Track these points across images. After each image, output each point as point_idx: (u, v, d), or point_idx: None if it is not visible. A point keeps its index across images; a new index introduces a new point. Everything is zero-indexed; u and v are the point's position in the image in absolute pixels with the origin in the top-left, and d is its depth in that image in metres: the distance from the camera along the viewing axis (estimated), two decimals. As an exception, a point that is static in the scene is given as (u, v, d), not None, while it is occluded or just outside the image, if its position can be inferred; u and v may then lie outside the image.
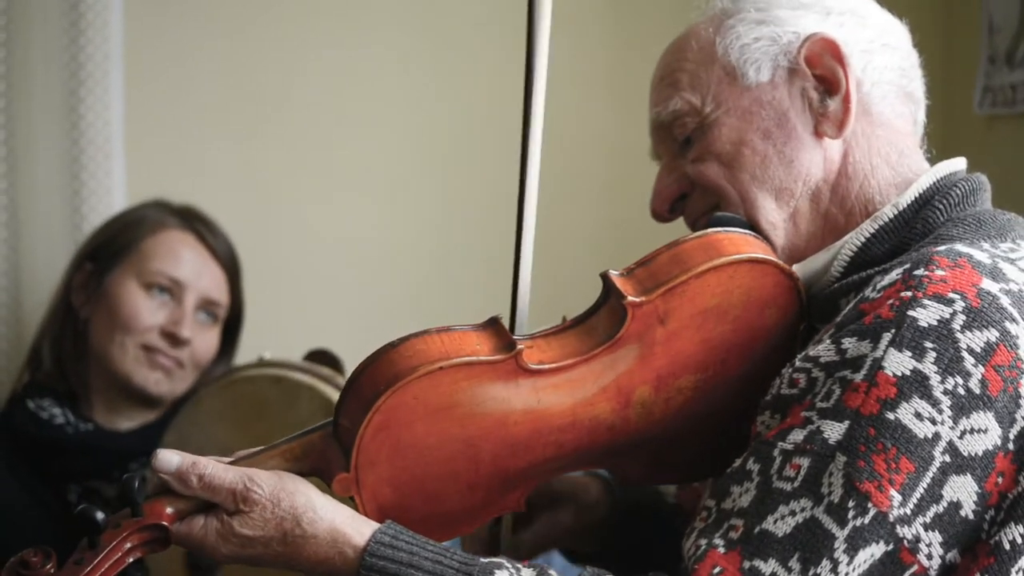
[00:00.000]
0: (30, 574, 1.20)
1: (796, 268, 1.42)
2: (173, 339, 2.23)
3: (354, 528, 1.27)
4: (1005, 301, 1.24)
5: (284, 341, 2.32)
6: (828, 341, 1.28)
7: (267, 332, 2.46)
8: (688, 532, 1.30)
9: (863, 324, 1.26)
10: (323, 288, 2.79)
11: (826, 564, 1.20)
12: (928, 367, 1.21)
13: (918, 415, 1.20)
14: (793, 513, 1.22)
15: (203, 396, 2.07)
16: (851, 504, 1.20)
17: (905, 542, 1.21)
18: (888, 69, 1.49)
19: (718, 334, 1.38)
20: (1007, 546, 1.22)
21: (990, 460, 1.21)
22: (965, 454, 1.21)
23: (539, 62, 1.34)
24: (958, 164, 1.48)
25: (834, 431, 1.22)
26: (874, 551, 1.20)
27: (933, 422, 1.20)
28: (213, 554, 1.28)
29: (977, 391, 1.21)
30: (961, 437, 1.21)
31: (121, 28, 2.53)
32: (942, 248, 1.30)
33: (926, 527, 1.21)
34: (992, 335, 1.22)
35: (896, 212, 1.42)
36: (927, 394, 1.21)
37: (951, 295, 1.23)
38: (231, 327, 2.37)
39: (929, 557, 1.21)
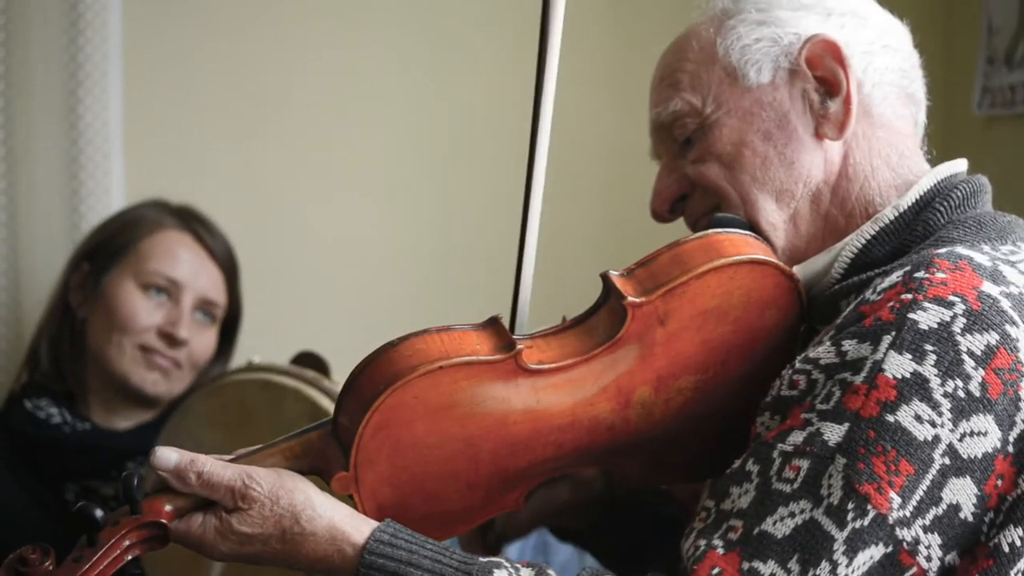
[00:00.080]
0: (29, 571, 1.20)
1: (796, 269, 1.42)
2: (170, 339, 2.23)
3: (353, 526, 1.27)
4: (1005, 304, 1.24)
5: (283, 341, 2.32)
6: (828, 343, 1.28)
7: (266, 332, 2.46)
8: (687, 532, 1.30)
9: (863, 326, 1.26)
10: (323, 288, 2.79)
11: (825, 566, 1.20)
12: (928, 370, 1.21)
13: (918, 417, 1.20)
14: (792, 515, 1.22)
15: (192, 402, 2.07)
16: (850, 506, 1.20)
17: (904, 544, 1.21)
18: (889, 70, 1.49)
19: (718, 335, 1.38)
20: (1006, 548, 1.22)
21: (990, 463, 1.21)
22: (965, 456, 1.21)
23: (550, 63, 1.34)
24: (959, 166, 1.48)
25: (834, 433, 1.22)
26: (873, 553, 1.20)
27: (933, 424, 1.20)
28: (212, 552, 1.28)
29: (977, 394, 1.21)
30: (961, 440, 1.21)
31: (120, 28, 2.53)
32: (943, 250, 1.30)
33: (925, 529, 1.21)
34: (992, 338, 1.22)
35: (897, 214, 1.42)
36: (927, 397, 1.21)
37: (951, 298, 1.23)
38: (229, 327, 2.36)
39: (928, 559, 1.21)
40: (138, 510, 1.25)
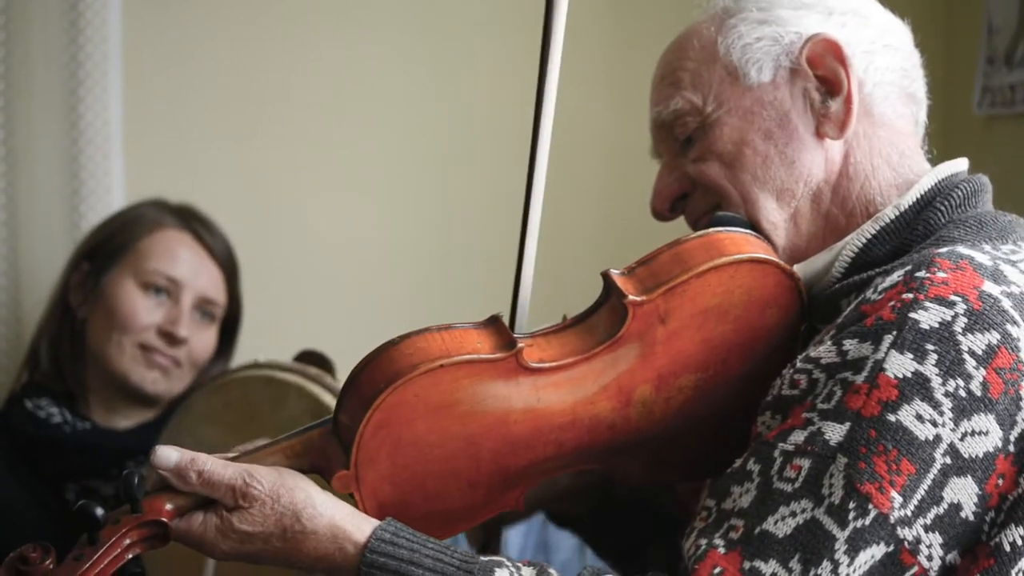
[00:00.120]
0: (29, 570, 1.20)
1: (797, 268, 1.42)
2: (170, 338, 2.23)
3: (354, 525, 1.27)
4: (1006, 303, 1.24)
5: (283, 341, 2.32)
6: (829, 342, 1.28)
7: (266, 332, 2.46)
8: (687, 532, 1.30)
9: (864, 326, 1.26)
10: (323, 288, 2.79)
11: (827, 565, 1.20)
12: (929, 369, 1.21)
13: (919, 417, 1.20)
14: (794, 514, 1.22)
15: (194, 400, 2.07)
16: (852, 505, 1.20)
17: (906, 543, 1.21)
18: (890, 70, 1.49)
19: (719, 334, 1.38)
20: (1007, 548, 1.22)
21: (991, 462, 1.21)
22: (966, 456, 1.21)
23: (552, 63, 1.34)
24: (959, 165, 1.48)
25: (835, 432, 1.22)
26: (875, 552, 1.20)
27: (934, 424, 1.20)
28: (212, 550, 1.28)
29: (978, 393, 1.21)
30: (962, 439, 1.21)
31: (120, 28, 2.53)
32: (944, 250, 1.30)
33: (927, 528, 1.21)
34: (993, 337, 1.22)
35: (897, 213, 1.42)
36: (928, 396, 1.21)
37: (953, 297, 1.23)
38: (229, 327, 2.36)
39: (929, 558, 1.21)
40: (139, 509, 1.25)
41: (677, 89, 1.49)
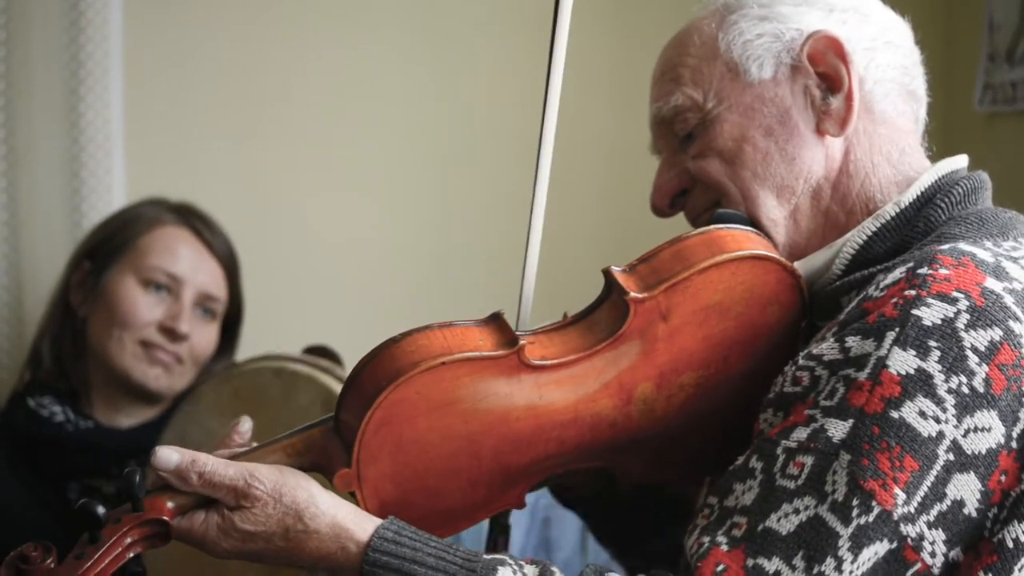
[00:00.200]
0: (30, 569, 1.20)
1: (797, 265, 1.42)
2: (171, 334, 2.23)
3: (356, 524, 1.27)
4: (1009, 300, 1.24)
5: (284, 341, 2.32)
6: (832, 339, 1.28)
7: (267, 332, 2.46)
8: (690, 529, 1.30)
9: (867, 322, 1.25)
10: (323, 288, 2.79)
11: (830, 562, 1.20)
12: (932, 366, 1.21)
13: (922, 414, 1.20)
14: (797, 511, 1.22)
15: (203, 391, 2.08)
16: (855, 502, 1.20)
17: (909, 540, 1.20)
18: (890, 67, 1.48)
19: (720, 331, 1.38)
20: (1010, 544, 1.22)
21: (993, 458, 1.21)
22: (969, 452, 1.21)
23: (557, 61, 1.33)
24: (959, 162, 1.48)
25: (838, 429, 1.22)
26: (878, 549, 1.20)
27: (937, 420, 1.20)
28: (214, 549, 1.28)
29: (981, 390, 1.21)
30: (965, 436, 1.20)
31: (121, 27, 2.53)
32: (945, 247, 1.30)
33: (930, 525, 1.21)
34: (996, 334, 1.22)
35: (898, 210, 1.42)
36: (931, 393, 1.20)
37: (955, 294, 1.23)
38: (231, 324, 2.37)
39: (932, 555, 1.21)
40: (140, 507, 1.25)
41: (677, 85, 1.49)
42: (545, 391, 1.33)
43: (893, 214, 1.42)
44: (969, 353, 1.21)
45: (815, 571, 1.20)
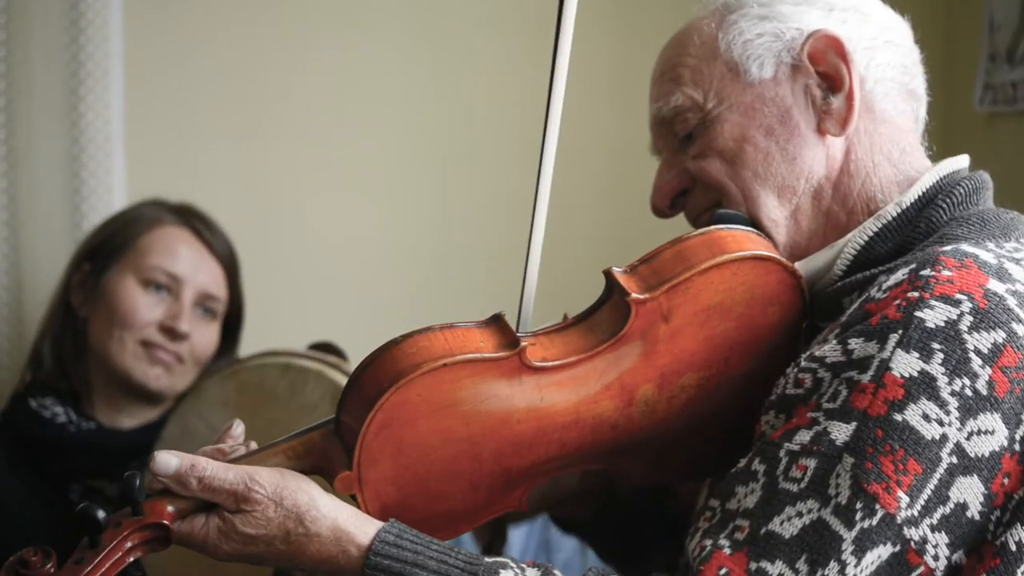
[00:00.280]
0: (29, 573, 1.20)
1: (798, 266, 1.42)
2: (172, 333, 2.23)
3: (357, 527, 1.27)
4: (1012, 302, 1.24)
5: (285, 341, 2.31)
6: (834, 341, 1.28)
7: (267, 332, 2.45)
8: (691, 532, 1.30)
9: (870, 325, 1.25)
10: (323, 288, 2.79)
11: (834, 566, 1.19)
12: (935, 368, 1.21)
13: (925, 416, 1.20)
14: (800, 514, 1.21)
15: (206, 385, 2.08)
16: (859, 506, 1.19)
17: (912, 543, 1.20)
18: (891, 66, 1.48)
19: (721, 331, 1.38)
20: (1013, 547, 1.22)
21: (996, 461, 1.21)
22: (972, 455, 1.20)
23: (561, 61, 1.33)
24: (960, 162, 1.48)
25: (841, 432, 1.22)
26: (881, 552, 1.20)
27: (940, 423, 1.20)
28: (215, 552, 1.27)
29: (984, 392, 1.20)
30: (968, 438, 1.20)
31: (121, 27, 2.53)
32: (948, 248, 1.29)
33: (933, 528, 1.20)
34: (999, 336, 1.22)
35: (899, 211, 1.42)
36: (934, 395, 1.20)
37: (958, 296, 1.23)
38: (231, 324, 2.36)
39: (936, 558, 1.21)
40: (140, 511, 1.25)
41: (677, 85, 1.49)
42: (546, 393, 1.33)
43: (894, 214, 1.41)
44: (972, 355, 1.21)
45: (818, 575, 1.19)
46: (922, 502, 1.20)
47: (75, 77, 2.50)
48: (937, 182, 1.44)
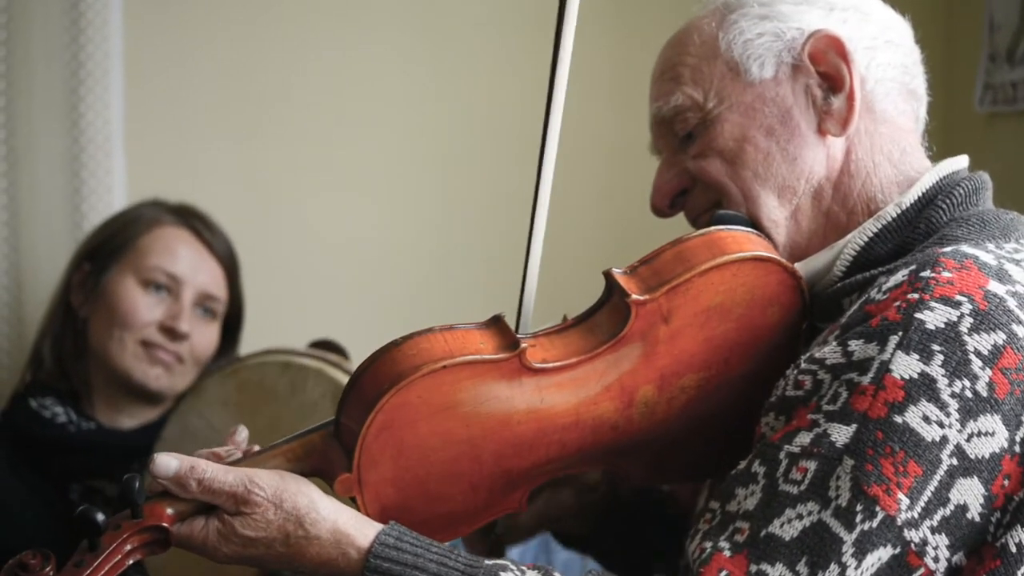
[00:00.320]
0: (29, 576, 1.20)
1: (798, 266, 1.42)
2: (171, 333, 2.23)
3: (357, 529, 1.26)
4: (1012, 303, 1.24)
5: (285, 341, 2.31)
6: (834, 343, 1.27)
7: (267, 332, 2.45)
8: (692, 534, 1.29)
9: (870, 326, 1.25)
10: (324, 288, 2.79)
11: (834, 568, 1.19)
12: (935, 370, 1.21)
13: (926, 418, 1.20)
14: (800, 516, 1.21)
15: (207, 384, 2.08)
16: (859, 508, 1.19)
17: (912, 545, 1.20)
18: (891, 66, 1.48)
19: (721, 332, 1.38)
20: (1013, 548, 1.22)
21: (997, 463, 1.21)
22: (972, 457, 1.20)
23: (563, 61, 1.33)
24: (960, 162, 1.48)
25: (841, 434, 1.22)
26: (881, 555, 1.20)
27: (941, 425, 1.20)
28: (215, 555, 1.27)
29: (984, 394, 1.20)
30: (968, 440, 1.20)
31: (121, 27, 2.53)
32: (948, 249, 1.29)
33: (933, 530, 1.20)
34: (999, 337, 1.21)
35: (899, 211, 1.41)
36: (935, 397, 1.20)
37: (958, 297, 1.23)
38: (231, 324, 2.36)
39: (936, 560, 1.21)
40: (139, 514, 1.24)
41: (677, 84, 1.48)
42: (546, 394, 1.32)
43: (894, 215, 1.41)
44: (972, 357, 1.20)
45: None
46: (922, 504, 1.19)
47: (75, 77, 2.50)
48: (937, 183, 1.43)
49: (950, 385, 1.20)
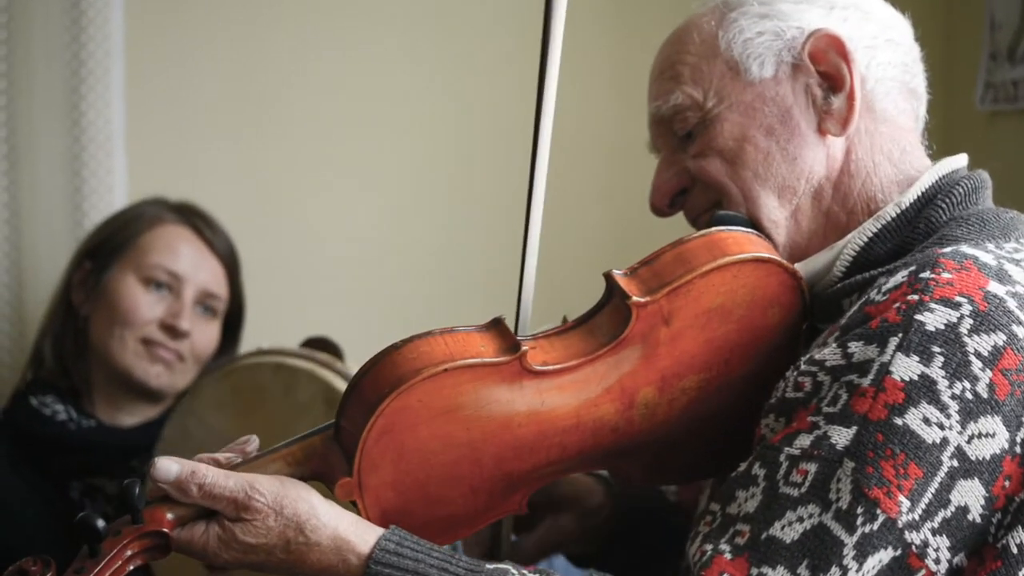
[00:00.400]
0: (29, 583, 1.19)
1: (798, 267, 1.41)
2: (172, 331, 2.24)
3: (358, 535, 1.26)
4: (1012, 304, 1.23)
5: (285, 340, 2.31)
6: (834, 344, 1.27)
7: (268, 331, 2.45)
8: (692, 536, 1.29)
9: (869, 328, 1.25)
10: (324, 288, 2.79)
11: (835, 570, 1.19)
12: (936, 372, 1.20)
13: (926, 420, 1.20)
14: (801, 519, 1.21)
15: (202, 386, 2.08)
16: (860, 510, 1.19)
17: (913, 547, 1.20)
18: (891, 65, 1.48)
19: (722, 334, 1.38)
20: (1014, 549, 1.22)
21: (997, 464, 1.21)
22: (973, 458, 1.20)
23: (552, 62, 1.33)
24: (959, 161, 1.47)
25: (842, 437, 1.21)
26: (882, 557, 1.20)
27: (941, 427, 1.20)
28: (215, 560, 1.26)
29: (985, 395, 1.20)
30: (969, 442, 1.20)
31: (122, 26, 2.53)
32: (947, 250, 1.29)
33: (934, 532, 1.20)
34: (999, 339, 1.21)
35: (899, 211, 1.41)
36: (935, 399, 1.20)
37: (958, 298, 1.23)
38: (232, 322, 2.37)
39: (937, 561, 1.21)
40: (139, 519, 1.24)
41: (677, 83, 1.48)
42: (547, 397, 1.32)
43: (894, 215, 1.41)
44: (973, 358, 1.20)
45: None
46: (923, 506, 1.19)
47: (76, 76, 2.50)
48: (936, 182, 1.43)
49: (950, 387, 1.20)
